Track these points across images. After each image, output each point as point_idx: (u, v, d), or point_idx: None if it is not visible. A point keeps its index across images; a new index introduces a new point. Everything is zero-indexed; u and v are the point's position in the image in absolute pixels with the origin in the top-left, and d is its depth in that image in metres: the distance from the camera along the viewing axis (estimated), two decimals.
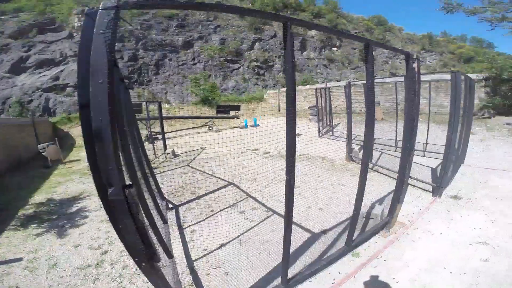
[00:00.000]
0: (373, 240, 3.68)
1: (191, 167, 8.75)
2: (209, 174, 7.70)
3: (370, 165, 6.74)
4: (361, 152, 7.01)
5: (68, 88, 25.42)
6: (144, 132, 15.35)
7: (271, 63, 30.32)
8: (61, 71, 25.33)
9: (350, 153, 7.49)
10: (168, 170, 8.58)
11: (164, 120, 18.57)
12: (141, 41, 27.09)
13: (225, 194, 5.93)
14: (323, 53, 33.73)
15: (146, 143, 14.02)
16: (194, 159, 9.81)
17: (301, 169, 7.06)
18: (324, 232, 3.96)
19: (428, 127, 7.69)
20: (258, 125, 17.07)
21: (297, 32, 32.52)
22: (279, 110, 23.46)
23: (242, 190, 6.18)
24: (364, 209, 3.84)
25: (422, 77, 3.73)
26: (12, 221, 5.07)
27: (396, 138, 8.19)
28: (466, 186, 5.17)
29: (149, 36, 27.17)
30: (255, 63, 29.33)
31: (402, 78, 15.70)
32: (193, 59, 29.03)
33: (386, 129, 8.83)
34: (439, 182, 4.72)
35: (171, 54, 28.81)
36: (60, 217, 5.18)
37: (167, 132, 16.02)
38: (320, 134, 11.50)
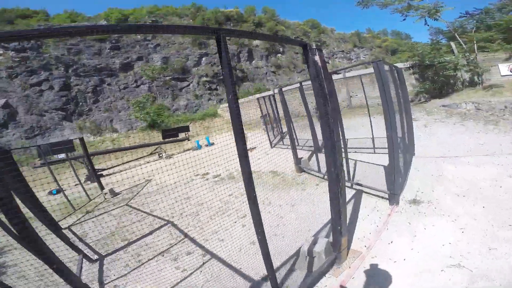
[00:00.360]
0: (324, 283, 2.81)
1: (130, 206, 7.31)
2: (146, 212, 6.41)
3: (321, 174, 6.06)
4: (311, 161, 6.38)
5: None
6: (83, 172, 13.25)
7: (222, 76, 29.65)
8: None
9: (299, 164, 6.77)
10: (104, 213, 7.15)
11: (109, 154, 16.47)
12: (72, 67, 24.34)
13: (160, 237, 4.98)
14: (269, 60, 34.21)
15: (88, 183, 12.11)
16: (136, 195, 8.34)
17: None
18: (265, 279, 2.99)
19: (370, 121, 7.23)
20: (212, 144, 15.91)
21: (243, 42, 32.67)
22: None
23: (180, 230, 5.11)
24: (306, 246, 2.97)
25: (355, 73, 3.10)
26: None
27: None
28: (423, 183, 4.65)
29: (80, 62, 24.57)
30: (205, 78, 28.35)
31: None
32: (135, 81, 27.02)
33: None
34: (392, 188, 4.10)
35: (109, 78, 26.45)
36: None
37: (113, 167, 14.04)
38: (272, 145, 10.77)
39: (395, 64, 6.31)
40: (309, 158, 6.32)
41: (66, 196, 8.81)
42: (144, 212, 6.52)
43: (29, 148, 11.26)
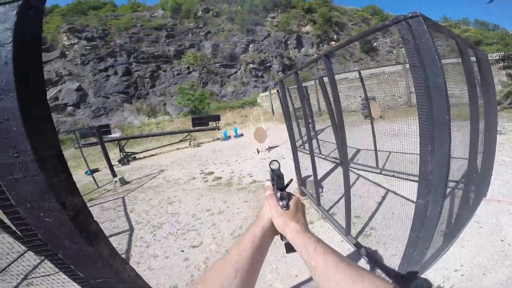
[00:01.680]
0: None
1: (123, 199, 6.92)
2: (124, 212, 5.84)
3: (320, 211, 4.33)
4: (314, 185, 4.62)
5: (68, 108, 25.05)
6: (114, 155, 14.04)
7: (269, 64, 28.05)
8: (59, 90, 25.02)
9: (302, 185, 5.10)
10: (97, 204, 6.92)
11: (149, 137, 17.22)
12: (133, 55, 26.14)
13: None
14: (321, 48, 30.82)
15: (119, 165, 12.76)
16: (138, 187, 7.99)
17: (231, 214, 4.83)
18: None
19: None
20: (240, 135, 14.92)
21: (291, 29, 30.16)
22: (273, 114, 21.15)
23: (129, 242, 4.24)
24: None
25: None
26: None
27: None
28: (476, 263, 2.59)
29: (140, 49, 26.16)
30: (251, 65, 27.25)
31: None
32: (188, 67, 27.61)
33: (385, 132, 5.90)
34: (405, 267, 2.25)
35: (165, 65, 27.62)
36: None
37: (143, 151, 14.53)
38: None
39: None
40: (312, 184, 4.57)
41: (94, 179, 9.14)
42: (124, 211, 5.94)
43: (73, 131, 12.10)
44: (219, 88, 28.08)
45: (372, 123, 5.60)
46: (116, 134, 14.42)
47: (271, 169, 0.72)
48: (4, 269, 3.70)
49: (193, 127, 14.59)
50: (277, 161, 0.72)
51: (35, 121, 0.80)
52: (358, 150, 6.72)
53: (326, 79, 6.46)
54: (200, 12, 30.98)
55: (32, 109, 0.79)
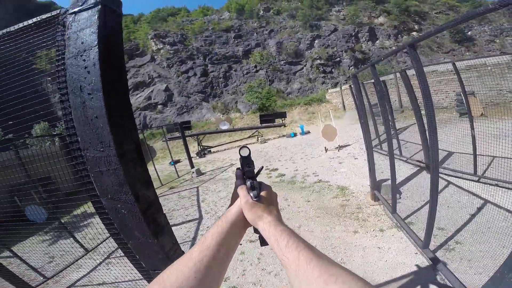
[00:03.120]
0: None
1: (197, 189, 7.69)
2: (197, 202, 6.43)
3: (395, 219, 3.75)
4: (391, 190, 4.03)
5: (158, 106, 29.42)
6: (193, 148, 15.71)
7: (338, 59, 26.28)
8: (151, 91, 29.59)
9: (375, 189, 4.52)
10: (176, 192, 7.87)
11: (223, 133, 18.65)
12: (208, 57, 28.58)
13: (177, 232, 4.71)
14: (400, 39, 26.82)
15: (196, 157, 14.31)
16: (210, 179, 8.75)
17: (290, 212, 4.72)
18: None
19: None
20: (307, 133, 14.50)
21: (361, 22, 27.30)
22: (345, 111, 19.77)
23: (196, 230, 4.61)
24: None
25: None
26: None
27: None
28: None
29: (214, 51, 28.39)
30: (318, 61, 26.08)
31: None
32: (255, 66, 28.52)
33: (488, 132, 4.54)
34: None
35: (235, 64, 29.21)
36: None
37: (217, 146, 15.81)
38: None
39: None
40: (388, 187, 3.99)
41: (176, 169, 10.53)
42: (196, 201, 6.54)
43: (162, 127, 14.17)
44: (285, 85, 27.98)
45: (471, 122, 4.54)
46: (224, 126, 15.78)
47: (241, 156, 0.66)
48: (93, 249, 4.58)
49: (261, 123, 14.97)
50: (247, 147, 0.66)
51: (118, 120, 0.86)
52: (450, 153, 5.59)
53: (410, 72, 5.55)
54: (261, 12, 31.42)
55: (116, 108, 0.85)
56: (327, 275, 0.39)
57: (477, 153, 4.47)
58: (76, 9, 0.72)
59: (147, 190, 0.98)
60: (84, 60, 0.73)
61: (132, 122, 0.91)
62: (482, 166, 4.53)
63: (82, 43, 0.72)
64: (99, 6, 0.70)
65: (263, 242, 0.58)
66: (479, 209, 3.49)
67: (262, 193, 0.62)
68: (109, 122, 0.81)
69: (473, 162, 4.47)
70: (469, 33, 27.16)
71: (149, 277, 1.11)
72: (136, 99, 29.32)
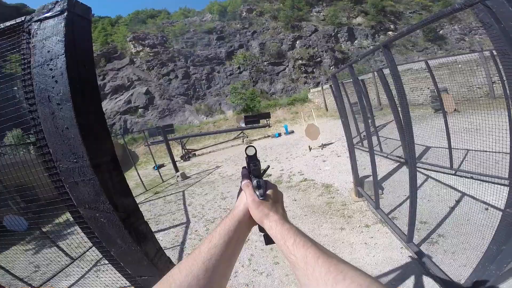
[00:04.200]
0: None
1: (182, 193, 7.55)
2: (183, 206, 6.32)
3: (378, 215, 3.89)
4: (373, 186, 4.17)
5: (139, 110, 28.60)
6: (176, 152, 15.42)
7: (319, 59, 26.86)
8: (131, 94, 28.72)
9: (359, 185, 4.66)
10: (161, 197, 7.68)
11: (206, 136, 18.46)
12: (189, 59, 28.22)
13: (168, 236, 4.62)
14: (377, 39, 27.94)
15: (181, 161, 14.05)
16: (196, 182, 8.62)
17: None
18: None
19: None
20: (291, 132, 14.68)
21: (340, 22, 28.15)
22: (327, 110, 20.20)
23: (184, 234, 4.57)
24: None
25: None
26: None
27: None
28: None
29: (195, 53, 28.08)
30: (300, 61, 26.52)
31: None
32: (238, 67, 28.50)
33: (461, 127, 4.89)
34: None
35: (218, 66, 29.02)
36: None
37: (201, 148, 15.62)
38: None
39: None
40: (370, 184, 4.14)
41: (160, 173, 10.27)
42: (183, 205, 6.44)
43: (143, 131, 13.84)
44: (268, 85, 28.20)
45: (445, 117, 4.79)
46: (243, 124, 15.37)
47: (247, 155, 0.66)
48: (79, 257, 4.42)
49: (245, 124, 14.97)
50: (253, 146, 0.67)
51: (90, 129, 0.84)
52: (428, 148, 5.86)
53: (386, 71, 5.77)
54: (244, 13, 31.56)
55: (87, 118, 0.83)
56: (336, 272, 0.39)
57: (452, 146, 4.70)
58: (41, 17, 0.70)
59: (125, 198, 0.96)
60: (51, 69, 0.70)
61: (106, 130, 0.89)
62: (458, 160, 4.77)
63: (49, 51, 0.70)
64: (66, 13, 0.68)
65: (269, 241, 0.59)
66: (457, 202, 3.63)
67: (268, 192, 0.62)
68: (81, 133, 0.79)
69: (449, 156, 4.70)
70: (441, 32, 28.68)
71: (136, 284, 1.09)
72: (116, 103, 28.36)
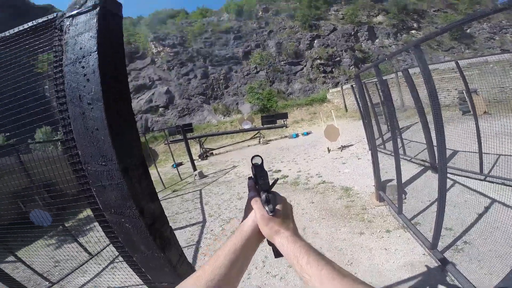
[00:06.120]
0: None
1: (200, 192, 7.62)
2: (199, 205, 6.36)
3: (401, 220, 3.67)
4: (397, 190, 3.94)
5: (159, 109, 29.37)
6: (194, 150, 15.64)
7: (338, 58, 26.20)
8: (152, 94, 29.54)
9: (380, 189, 4.44)
10: (179, 195, 7.80)
11: (224, 135, 18.61)
12: (208, 58, 28.56)
13: (183, 235, 4.69)
14: (400, 38, 26.76)
15: (198, 160, 14.23)
16: (213, 181, 8.67)
17: (295, 215, 4.64)
18: None
19: None
20: (308, 133, 14.43)
21: (359, 21, 27.23)
22: (346, 111, 19.67)
23: (200, 233, 4.58)
24: None
25: None
26: None
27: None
28: None
29: (213, 53, 28.37)
30: (318, 61, 26.01)
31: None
32: (255, 67, 28.47)
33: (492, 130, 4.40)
34: None
35: (236, 66, 29.15)
36: None
37: (219, 148, 15.74)
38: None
39: None
40: (393, 188, 3.92)
41: (178, 172, 10.46)
42: (200, 204, 6.48)
43: (163, 130, 14.18)
44: (285, 85, 27.92)
45: (476, 120, 4.46)
46: (246, 126, 15.60)
47: (253, 165, 0.62)
48: (97, 254, 4.53)
49: (262, 125, 14.91)
50: (260, 156, 0.63)
51: (120, 131, 0.79)
52: (455, 152, 5.49)
53: (412, 71, 5.47)
54: (260, 12, 31.40)
55: (118, 119, 0.78)
56: None
57: (483, 151, 4.38)
58: (73, 12, 0.66)
59: (152, 203, 0.91)
60: (83, 67, 0.66)
61: (135, 132, 0.85)
62: (488, 165, 4.44)
63: (81, 48, 0.66)
64: (98, 9, 0.64)
65: (278, 254, 0.56)
66: (487, 209, 3.43)
67: (278, 207, 0.58)
68: (111, 135, 0.74)
69: (478, 161, 4.38)
70: (468, 30, 27.03)
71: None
72: (138, 102, 29.26)
